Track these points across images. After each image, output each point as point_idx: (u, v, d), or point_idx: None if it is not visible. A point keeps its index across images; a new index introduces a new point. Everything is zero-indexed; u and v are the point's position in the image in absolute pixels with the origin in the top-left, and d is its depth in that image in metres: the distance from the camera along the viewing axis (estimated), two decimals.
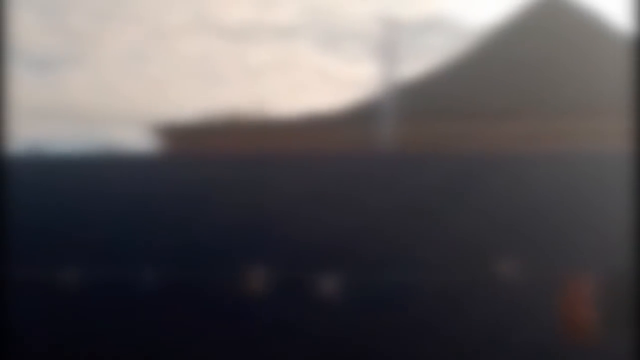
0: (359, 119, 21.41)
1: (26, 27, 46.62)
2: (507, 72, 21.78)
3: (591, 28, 22.77)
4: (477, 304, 7.03)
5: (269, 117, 23.52)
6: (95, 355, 7.38)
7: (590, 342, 6.79)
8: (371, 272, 7.14)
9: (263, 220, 7.44)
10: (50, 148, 8.39)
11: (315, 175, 7.53)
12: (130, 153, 8.34)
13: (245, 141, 20.66)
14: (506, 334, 6.98)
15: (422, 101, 21.28)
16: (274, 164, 7.65)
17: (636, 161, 6.97)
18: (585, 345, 6.80)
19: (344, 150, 7.88)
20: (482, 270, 7.04)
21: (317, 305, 7.17)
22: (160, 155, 8.71)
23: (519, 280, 6.98)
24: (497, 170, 7.32)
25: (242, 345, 7.26)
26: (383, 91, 20.84)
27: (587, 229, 7.04)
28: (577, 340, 6.82)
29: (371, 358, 7.09)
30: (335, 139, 20.12)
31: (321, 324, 7.18)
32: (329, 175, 7.51)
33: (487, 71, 22.18)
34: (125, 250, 7.54)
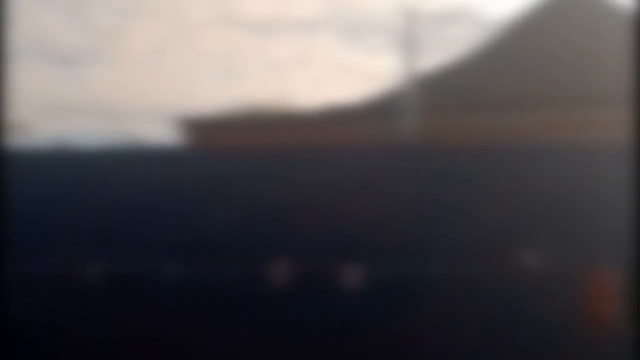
0: (380, 111, 21.41)
1: (51, 24, 46.82)
2: (529, 62, 21.70)
3: (613, 18, 22.65)
4: (500, 295, 7.03)
5: (290, 110, 23.55)
6: (115, 349, 7.44)
7: (613, 335, 6.78)
8: (393, 264, 7.16)
9: (285, 213, 7.47)
10: (74, 142, 8.46)
11: (337, 167, 7.55)
12: (154, 147, 8.39)
13: (267, 134, 20.70)
14: (528, 326, 6.98)
15: (444, 93, 21.24)
16: (296, 157, 7.67)
17: None
18: (608, 338, 6.79)
19: (366, 143, 7.89)
20: (504, 262, 7.04)
21: (340, 298, 7.20)
22: (183, 149, 8.75)
23: (542, 273, 6.97)
24: (520, 161, 7.32)
25: (264, 338, 7.30)
26: (404, 83, 20.83)
27: (612, 221, 7.02)
28: (600, 333, 6.82)
29: (393, 349, 7.12)
30: (357, 132, 20.12)
31: (343, 316, 7.21)
32: (350, 167, 7.52)
33: (509, 62, 22.10)
34: (147, 243, 7.59)
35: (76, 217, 7.73)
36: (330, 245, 7.28)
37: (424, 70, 21.80)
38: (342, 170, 7.48)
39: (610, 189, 7.07)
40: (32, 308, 7.52)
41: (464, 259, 7.08)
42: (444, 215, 7.24)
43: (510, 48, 22.87)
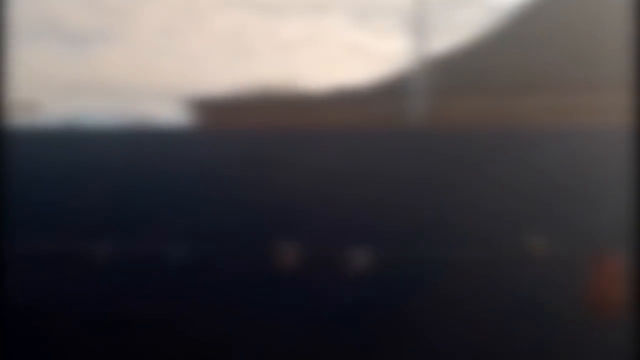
0: (389, 93, 21.40)
1: (60, 4, 46.82)
2: (538, 46, 21.66)
3: (621, 4, 22.56)
4: (506, 279, 7.06)
5: (300, 92, 23.55)
6: (126, 328, 7.49)
7: (619, 319, 6.80)
8: (401, 247, 7.18)
9: (293, 193, 7.50)
10: (85, 122, 8.50)
11: (346, 150, 7.57)
12: (163, 127, 8.42)
13: (276, 115, 20.70)
14: (534, 310, 7.01)
15: (453, 76, 21.21)
16: (305, 139, 7.69)
17: None
18: (614, 322, 6.81)
19: (375, 125, 7.91)
20: (511, 246, 7.06)
21: (347, 280, 7.23)
22: (192, 130, 8.76)
23: (549, 257, 6.99)
24: (528, 145, 7.33)
25: (272, 318, 7.34)
26: (414, 66, 20.81)
27: (619, 206, 7.04)
28: (605, 317, 6.84)
29: (398, 331, 7.16)
30: (366, 114, 20.12)
31: (350, 299, 7.25)
32: (360, 150, 7.54)
33: (518, 46, 22.06)
34: (158, 224, 7.63)
35: (83, 195, 7.77)
36: (338, 228, 7.31)
37: (434, 53, 21.78)
38: (351, 152, 7.50)
39: (618, 175, 7.08)
40: (41, 286, 7.57)
41: (472, 243, 7.10)
42: (451, 200, 7.26)
43: (520, 32, 22.83)
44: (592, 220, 7.04)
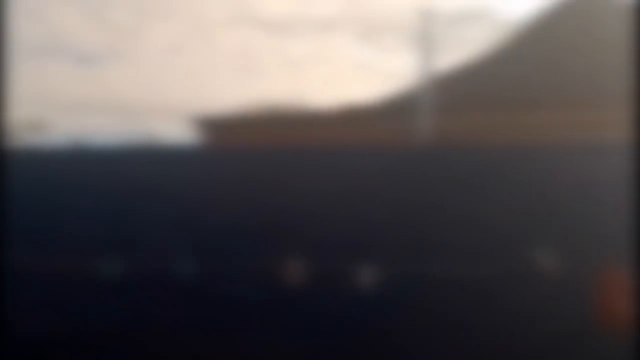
0: (397, 111, 21.42)
1: (69, 22, 47.03)
2: (546, 63, 21.67)
3: (629, 20, 22.56)
4: (513, 296, 7.05)
5: (307, 109, 23.58)
6: (134, 343, 7.49)
7: (626, 334, 6.78)
8: (407, 264, 7.18)
9: (301, 212, 7.50)
10: (91, 141, 8.52)
11: (353, 167, 7.58)
12: (170, 146, 8.43)
13: (284, 134, 20.73)
14: (541, 326, 6.99)
15: (460, 93, 21.23)
16: (312, 157, 7.70)
17: None
18: (621, 337, 6.79)
19: (382, 143, 7.90)
20: (517, 263, 7.05)
21: (353, 297, 7.22)
22: (199, 148, 8.78)
23: (556, 273, 6.98)
24: (535, 161, 7.33)
25: (277, 334, 7.34)
26: (421, 83, 20.83)
27: (624, 221, 7.02)
28: (612, 332, 6.82)
29: (405, 347, 7.14)
30: (374, 132, 20.14)
31: (357, 316, 7.24)
32: (366, 167, 7.55)
33: (526, 62, 22.07)
34: (165, 240, 7.64)
35: (91, 215, 7.78)
36: (345, 245, 7.31)
37: (441, 70, 21.80)
38: (358, 169, 7.50)
39: (624, 189, 7.07)
40: (47, 304, 7.57)
41: (478, 260, 7.09)
42: (458, 216, 7.25)
43: (527, 48, 22.84)
44: (600, 236, 7.03)
